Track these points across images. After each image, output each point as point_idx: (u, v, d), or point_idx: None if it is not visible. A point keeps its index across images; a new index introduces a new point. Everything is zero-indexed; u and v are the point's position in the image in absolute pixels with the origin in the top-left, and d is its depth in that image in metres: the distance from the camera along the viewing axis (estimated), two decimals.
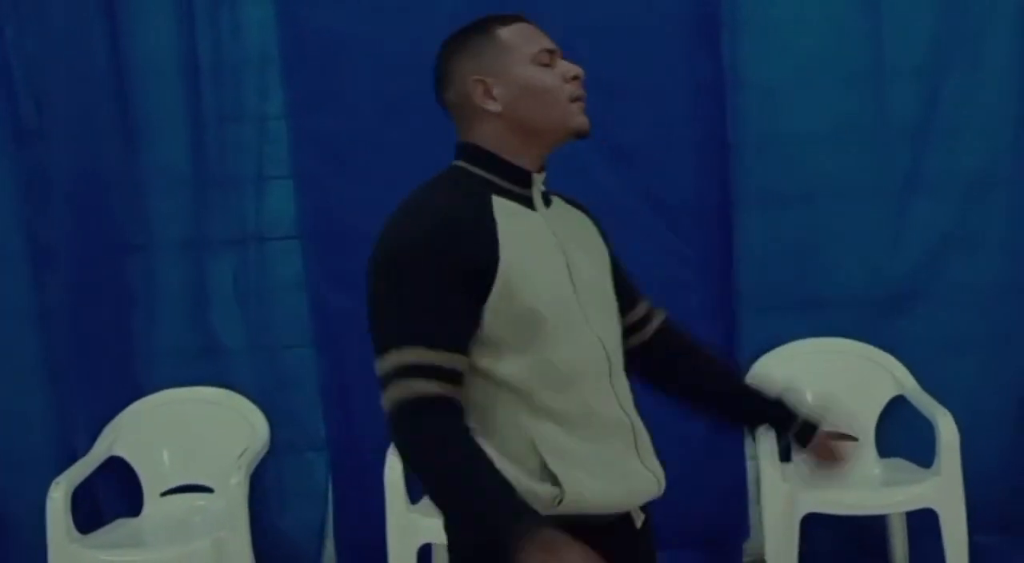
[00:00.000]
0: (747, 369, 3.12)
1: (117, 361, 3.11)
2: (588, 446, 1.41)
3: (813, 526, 2.87)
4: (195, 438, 3.11)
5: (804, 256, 3.10)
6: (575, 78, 1.48)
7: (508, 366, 1.38)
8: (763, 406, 1.75)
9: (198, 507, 3.05)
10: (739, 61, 3.03)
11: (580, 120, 1.49)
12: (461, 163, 1.50)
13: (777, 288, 3.11)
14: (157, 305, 3.11)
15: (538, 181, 1.51)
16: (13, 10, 2.95)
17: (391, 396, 1.33)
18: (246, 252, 3.09)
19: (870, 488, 2.95)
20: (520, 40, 1.48)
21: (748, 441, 3.13)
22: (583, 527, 1.33)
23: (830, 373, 3.13)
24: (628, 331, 1.66)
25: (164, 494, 3.10)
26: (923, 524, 2.89)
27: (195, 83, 3.01)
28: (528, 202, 1.48)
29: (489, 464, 1.32)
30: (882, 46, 3.04)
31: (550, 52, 1.49)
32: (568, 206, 1.62)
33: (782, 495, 2.85)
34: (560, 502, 1.35)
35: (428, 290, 1.35)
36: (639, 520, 1.52)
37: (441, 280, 1.35)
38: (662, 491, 1.54)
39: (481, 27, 1.50)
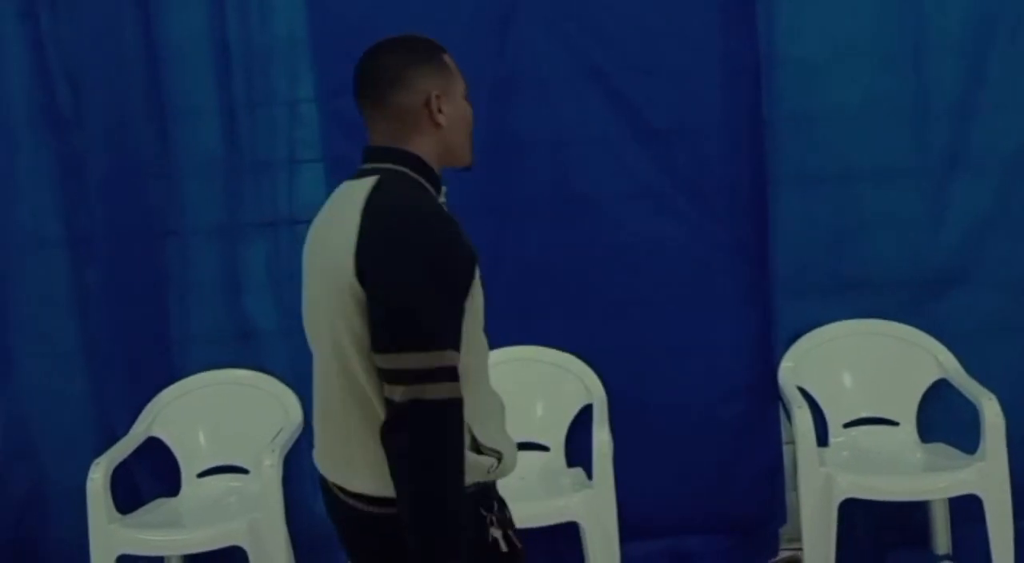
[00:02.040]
0: (784, 352, 3.08)
1: (154, 344, 3.14)
2: (499, 421, 1.64)
3: (852, 511, 2.82)
4: (231, 420, 3.15)
5: (842, 237, 3.04)
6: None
7: (465, 357, 1.52)
8: None
9: (234, 488, 3.09)
10: (774, 36, 2.96)
11: (472, 156, 1.71)
12: (406, 170, 1.61)
13: (815, 269, 3.05)
14: (192, 289, 3.14)
15: (443, 191, 1.67)
16: None
17: (433, 393, 1.44)
18: (279, 235, 3.10)
19: (911, 473, 2.89)
20: (456, 72, 1.69)
21: (784, 425, 3.09)
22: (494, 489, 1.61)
23: (870, 356, 3.08)
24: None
25: (201, 475, 3.14)
26: (966, 510, 2.82)
27: (226, 68, 3.01)
28: None
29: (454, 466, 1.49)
30: (922, 20, 2.96)
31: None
32: None
33: (820, 480, 2.80)
34: (497, 468, 1.58)
35: (460, 293, 1.51)
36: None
37: (454, 283, 1.50)
38: None
39: (433, 48, 1.67)
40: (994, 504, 2.72)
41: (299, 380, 3.13)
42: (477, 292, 1.56)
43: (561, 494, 2.85)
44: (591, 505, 2.79)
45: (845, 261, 3.04)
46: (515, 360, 3.07)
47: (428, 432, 1.45)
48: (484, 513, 1.57)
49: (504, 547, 1.58)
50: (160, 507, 3.06)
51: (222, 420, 3.15)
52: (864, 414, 3.07)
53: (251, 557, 2.80)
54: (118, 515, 2.89)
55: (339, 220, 1.56)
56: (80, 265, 3.09)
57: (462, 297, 1.51)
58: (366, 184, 1.58)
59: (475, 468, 1.54)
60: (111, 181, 3.04)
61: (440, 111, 1.62)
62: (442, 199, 1.65)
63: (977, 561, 2.81)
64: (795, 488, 2.95)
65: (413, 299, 1.47)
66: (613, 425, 2.92)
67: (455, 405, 1.47)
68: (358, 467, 1.57)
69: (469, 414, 1.51)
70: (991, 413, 2.74)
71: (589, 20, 3.00)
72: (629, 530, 2.92)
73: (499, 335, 2.94)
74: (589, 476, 2.85)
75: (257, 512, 2.85)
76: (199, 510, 3.03)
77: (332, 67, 3.03)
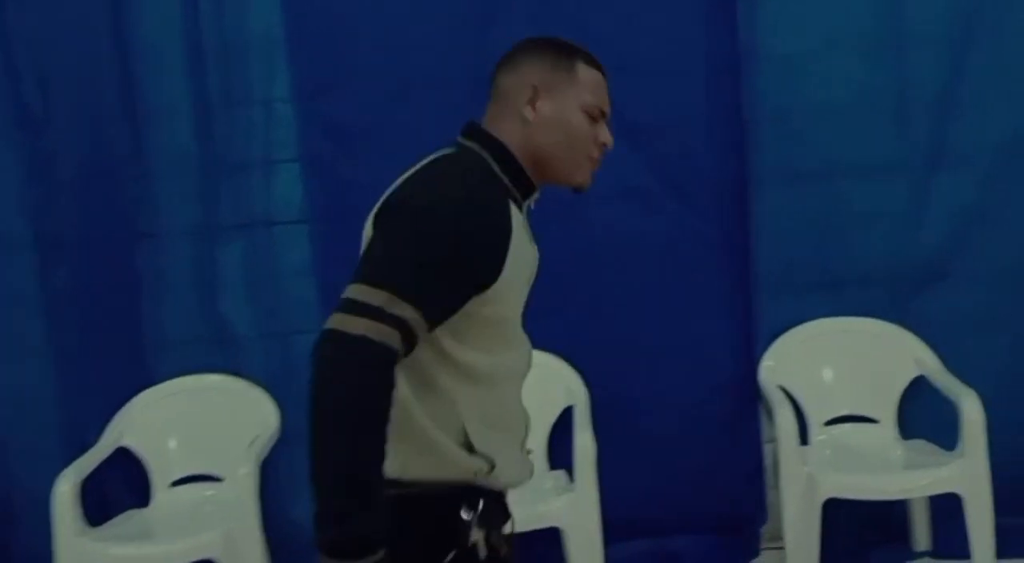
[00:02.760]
0: (766, 349, 3.06)
1: (125, 349, 3.06)
2: (506, 434, 1.54)
3: (832, 509, 2.81)
4: (205, 426, 3.07)
5: (824, 233, 3.04)
6: (603, 145, 1.57)
7: (467, 354, 1.44)
8: None
9: (208, 497, 3.01)
10: (756, 32, 2.96)
11: (586, 178, 1.58)
12: (485, 154, 1.53)
13: (796, 266, 3.04)
14: (165, 292, 3.06)
15: (533, 198, 1.57)
16: None
17: (358, 326, 1.29)
18: (255, 237, 3.04)
19: (892, 472, 2.89)
20: (589, 85, 1.55)
21: (766, 423, 3.08)
22: (488, 493, 1.49)
23: (851, 353, 3.08)
24: None
25: (174, 484, 3.06)
26: (946, 507, 2.82)
27: (201, 66, 2.95)
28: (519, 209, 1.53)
29: (382, 451, 1.29)
30: (904, 14, 2.96)
31: (602, 113, 1.57)
32: None
33: (802, 480, 2.79)
34: (487, 473, 1.47)
35: (445, 258, 1.37)
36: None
37: (458, 256, 1.38)
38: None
39: (569, 51, 1.58)
40: (974, 501, 2.72)
41: (276, 385, 3.07)
42: (505, 298, 1.45)
43: (542, 499, 2.80)
44: (573, 510, 2.75)
45: (827, 258, 3.05)
46: None
47: (331, 369, 1.27)
48: (464, 515, 1.47)
49: (483, 552, 1.49)
50: (130, 519, 2.97)
51: (196, 427, 3.07)
52: (845, 412, 3.07)
53: None
54: (87, 528, 2.79)
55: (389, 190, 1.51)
56: (49, 267, 2.99)
57: (451, 265, 1.36)
58: (432, 156, 1.53)
59: (460, 466, 1.46)
60: (81, 180, 2.96)
61: (532, 105, 1.52)
62: (526, 204, 1.54)
63: (957, 557, 2.82)
64: (776, 487, 2.94)
65: (387, 236, 1.38)
66: (595, 425, 2.89)
67: (375, 349, 1.28)
68: None
69: (467, 411, 1.46)
70: (971, 410, 2.74)
71: (571, 17, 2.97)
72: (612, 531, 2.88)
73: None
74: (571, 478, 2.82)
75: (232, 522, 2.77)
76: (171, 521, 2.94)
77: (309, 66, 2.98)
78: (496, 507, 1.56)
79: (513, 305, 1.50)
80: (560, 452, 2.97)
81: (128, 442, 3.04)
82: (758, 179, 3.00)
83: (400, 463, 1.41)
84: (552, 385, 3.04)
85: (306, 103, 2.97)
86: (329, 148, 2.98)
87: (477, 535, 1.48)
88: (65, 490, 2.75)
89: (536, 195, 1.57)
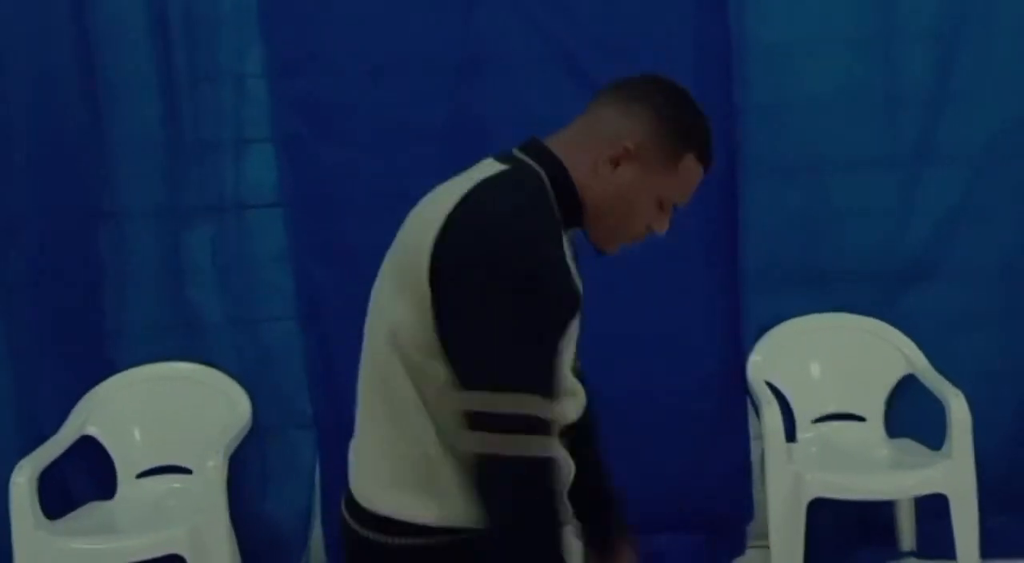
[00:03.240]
0: (753, 345, 3.00)
1: (87, 336, 2.94)
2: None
3: (817, 507, 2.76)
4: (172, 417, 2.96)
5: (812, 228, 2.96)
6: (653, 231, 1.45)
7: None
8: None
9: (175, 490, 2.90)
10: (745, 22, 2.87)
11: (614, 250, 1.48)
12: (547, 178, 1.36)
13: (784, 261, 2.97)
14: (130, 277, 2.94)
15: (573, 235, 1.44)
16: None
17: (514, 446, 1.19)
18: (225, 221, 2.91)
19: (878, 472, 2.84)
20: (685, 182, 1.42)
21: (753, 420, 3.02)
22: None
23: (838, 350, 3.02)
24: None
25: (140, 476, 2.94)
26: (933, 507, 2.78)
27: (165, 39, 2.81)
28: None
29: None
30: (894, 7, 2.89)
31: (675, 206, 1.44)
32: None
33: (788, 478, 2.73)
34: None
35: (556, 327, 1.24)
36: None
37: (565, 319, 1.26)
38: None
39: (689, 134, 1.41)
40: (960, 502, 2.68)
41: (247, 374, 2.97)
42: (571, 330, 1.32)
43: None
44: None
45: (815, 253, 2.98)
46: None
47: (526, 499, 1.20)
48: None
49: None
50: (93, 511, 2.85)
51: (164, 417, 2.96)
52: (832, 409, 3.02)
53: None
54: (46, 521, 2.68)
55: (439, 201, 1.30)
56: (5, 247, 2.85)
57: (554, 333, 1.23)
58: (487, 170, 1.35)
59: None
60: (39, 158, 2.82)
61: (615, 162, 1.37)
62: (572, 232, 1.42)
63: (943, 557, 2.79)
64: (763, 484, 2.88)
65: (484, 314, 1.20)
66: None
67: (549, 465, 1.20)
68: (371, 477, 1.35)
69: None
70: (958, 410, 2.70)
71: (557, 1, 2.87)
72: None
73: None
74: None
75: (199, 516, 2.67)
76: (136, 515, 2.83)
77: (283, 40, 2.86)
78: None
79: (569, 347, 1.34)
80: None
81: (92, 431, 2.92)
82: (746, 172, 2.92)
83: (435, 506, 1.30)
84: None
85: (280, 80, 2.85)
86: (305, 128, 2.87)
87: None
88: (22, 481, 2.63)
89: (572, 230, 1.42)
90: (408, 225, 1.34)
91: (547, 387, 1.22)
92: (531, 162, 1.37)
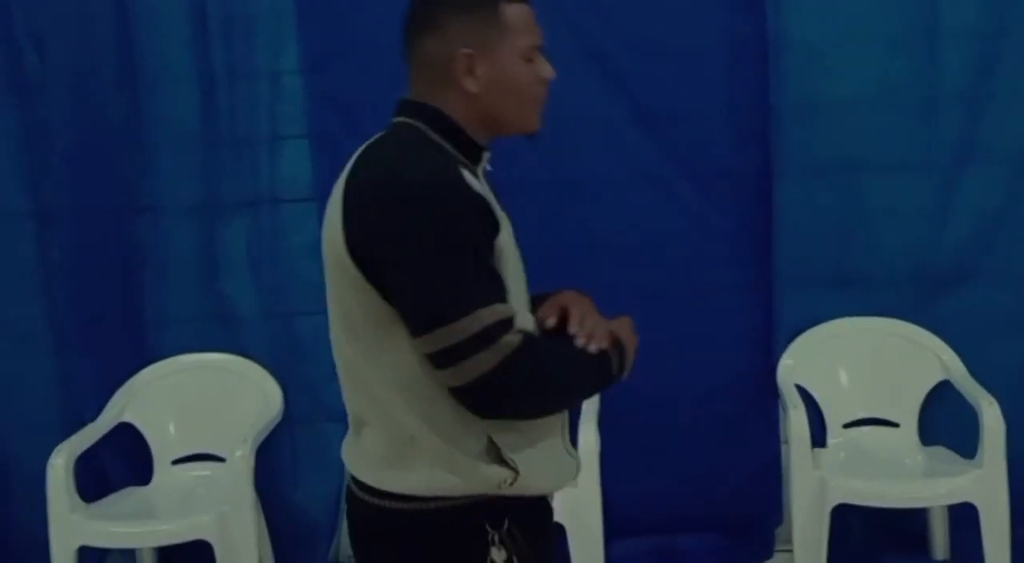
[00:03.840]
0: (784, 348, 2.97)
1: (126, 326, 3.01)
2: (538, 435, 1.42)
3: (846, 514, 2.72)
4: (206, 406, 3.02)
5: (847, 229, 2.91)
6: (547, 80, 1.46)
7: None
8: None
9: (206, 478, 2.96)
10: (782, 19, 2.82)
11: (536, 123, 1.48)
12: (420, 125, 1.42)
13: (818, 263, 2.93)
14: (167, 269, 3.01)
15: (486, 159, 1.47)
16: None
17: (491, 358, 1.27)
18: (259, 215, 2.97)
19: (909, 479, 2.79)
20: (520, 27, 1.43)
21: (784, 422, 2.98)
22: (516, 505, 1.40)
23: (873, 355, 2.97)
24: None
25: (175, 463, 3.01)
26: (967, 515, 2.72)
27: (204, 36, 2.86)
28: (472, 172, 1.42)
29: (576, 351, 1.40)
30: (934, 4, 2.82)
31: (538, 48, 1.45)
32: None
33: (813, 483, 2.70)
34: (511, 484, 1.37)
35: (479, 244, 1.32)
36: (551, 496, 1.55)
37: (482, 243, 1.32)
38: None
39: None
40: (990, 512, 2.62)
41: (279, 365, 3.02)
42: (506, 257, 1.36)
43: None
44: (574, 506, 2.67)
45: (850, 255, 2.93)
46: None
47: (532, 378, 1.32)
48: (489, 529, 1.39)
49: None
50: (128, 496, 2.93)
51: (197, 406, 3.02)
52: (864, 415, 2.97)
53: (217, 553, 2.66)
54: (81, 504, 2.76)
55: (336, 190, 1.39)
56: (47, 240, 2.94)
57: (480, 251, 1.30)
58: (364, 146, 1.42)
59: (480, 479, 1.36)
60: (79, 152, 2.90)
61: (471, 74, 1.39)
62: (481, 168, 1.45)
63: None
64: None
65: (418, 270, 1.28)
66: (604, 419, 2.81)
67: (523, 350, 1.29)
68: (365, 456, 1.43)
69: (492, 424, 1.36)
70: (991, 418, 2.64)
71: None
72: (618, 528, 2.82)
73: None
74: None
75: (227, 504, 2.72)
76: (169, 500, 2.90)
77: (318, 37, 2.89)
78: (530, 519, 1.44)
79: (514, 279, 1.38)
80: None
81: (130, 418, 2.99)
82: (780, 171, 2.88)
83: (422, 478, 1.37)
84: None
85: (315, 76, 2.89)
86: (338, 124, 2.90)
87: (498, 555, 1.39)
88: (59, 464, 2.71)
89: (488, 155, 1.47)
90: (324, 222, 1.41)
91: (493, 294, 1.30)
92: (406, 120, 1.43)
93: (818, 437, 2.86)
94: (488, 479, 1.37)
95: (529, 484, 1.40)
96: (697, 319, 2.96)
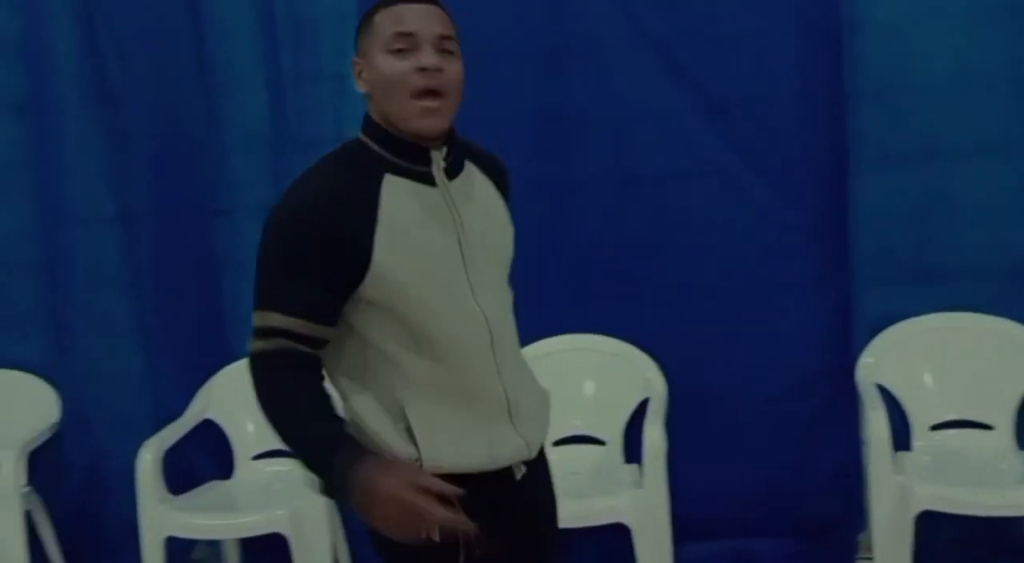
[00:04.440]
0: (864, 347, 2.82)
1: (208, 324, 3.11)
2: (454, 414, 1.50)
3: (935, 521, 2.57)
4: None
5: (930, 219, 2.76)
6: (422, 70, 1.44)
7: (385, 336, 1.47)
8: None
9: (283, 473, 3.04)
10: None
11: (418, 123, 1.46)
12: (363, 136, 1.53)
13: (899, 256, 2.78)
14: (245, 269, 3.07)
15: (437, 158, 1.51)
16: None
17: (249, 351, 1.49)
18: None
19: (1004, 485, 2.60)
20: (385, 24, 1.46)
21: (866, 425, 2.84)
22: (455, 479, 1.43)
23: (959, 353, 2.80)
24: None
25: (256, 458, 3.12)
26: None
27: (272, 41, 2.92)
28: (428, 178, 1.49)
29: (313, 408, 1.44)
30: None
31: (405, 35, 1.45)
32: (478, 171, 1.60)
33: (894, 489, 2.56)
34: (419, 463, 1.46)
35: (296, 261, 1.43)
36: (519, 472, 1.58)
37: (310, 253, 1.42)
38: (533, 453, 1.59)
39: (371, 7, 1.51)
40: None
41: None
42: (392, 277, 1.44)
43: (610, 493, 2.70)
44: (641, 506, 2.63)
45: (932, 247, 2.77)
46: (570, 349, 2.94)
47: (255, 388, 1.49)
48: None
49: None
50: (212, 490, 3.04)
51: None
52: (954, 416, 2.80)
53: (293, 546, 2.74)
54: (168, 496, 2.88)
55: None
56: (131, 241, 3.06)
57: (306, 264, 1.43)
58: None
59: (395, 453, 1.46)
60: (158, 156, 3.01)
61: (360, 78, 1.51)
62: (439, 164, 1.51)
63: None
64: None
65: (257, 259, 1.48)
66: (674, 418, 2.76)
67: (264, 357, 1.47)
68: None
69: (405, 392, 1.48)
70: None
71: None
72: (688, 530, 2.76)
73: (553, 322, 2.88)
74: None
75: (301, 500, 2.79)
76: (249, 494, 3.00)
77: None
78: (472, 498, 1.43)
79: (421, 274, 1.46)
80: (638, 446, 2.84)
81: (212, 416, 3.11)
82: (856, 159, 2.75)
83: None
84: (628, 375, 2.92)
85: None
86: None
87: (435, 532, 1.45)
88: (148, 459, 2.84)
89: (443, 154, 1.51)
90: None
91: (284, 303, 1.45)
92: (358, 133, 1.54)
93: (902, 440, 2.72)
94: (401, 454, 1.46)
95: (441, 464, 1.47)
96: (769, 316, 2.87)
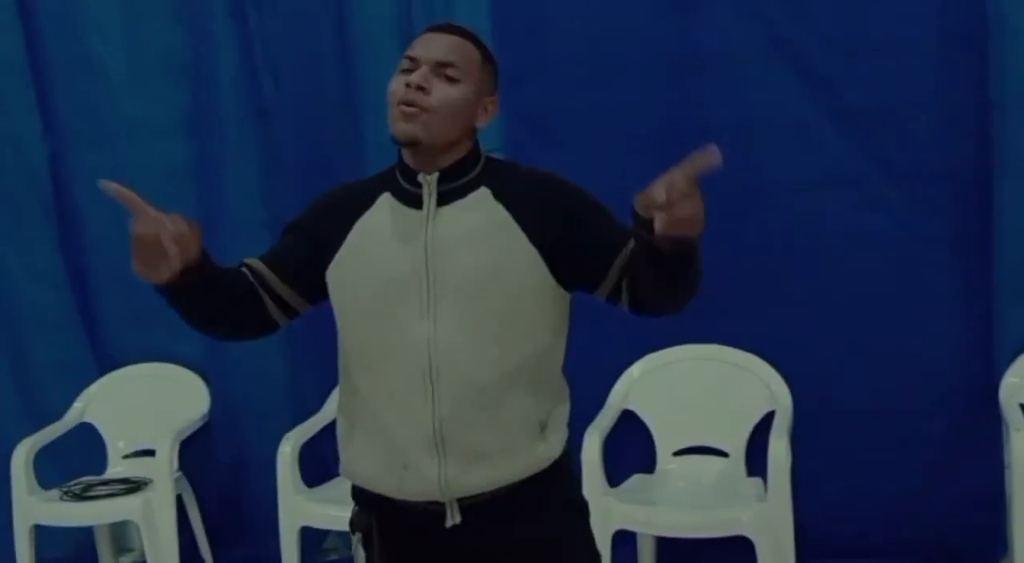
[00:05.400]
0: (1008, 366, 2.70)
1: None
2: (374, 430, 1.53)
3: None
4: None
5: None
6: (405, 86, 1.51)
7: (341, 336, 1.60)
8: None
9: None
10: (1004, 4, 2.59)
11: (394, 126, 1.54)
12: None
13: None
14: None
15: (428, 182, 1.54)
16: None
17: None
18: None
19: None
20: (407, 49, 1.57)
21: (1006, 445, 2.71)
22: (388, 508, 1.54)
23: None
24: (610, 297, 1.56)
25: None
26: None
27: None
28: (417, 200, 1.54)
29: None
30: None
31: (410, 59, 1.54)
32: (491, 198, 1.55)
33: None
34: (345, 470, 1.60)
35: (289, 227, 1.67)
36: (452, 519, 1.51)
37: (298, 225, 1.64)
38: (448, 498, 1.50)
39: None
40: None
41: None
42: (343, 280, 1.56)
43: (733, 505, 2.67)
44: (764, 520, 2.59)
45: None
46: (695, 359, 2.94)
47: None
48: (353, 509, 1.63)
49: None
50: (345, 483, 3.16)
51: None
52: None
53: None
54: (304, 488, 3.03)
55: None
56: None
57: (291, 230, 1.66)
58: None
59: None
60: (306, 168, 3.17)
61: None
62: (429, 187, 1.54)
63: None
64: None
65: None
66: (800, 433, 2.72)
67: None
68: None
69: (342, 398, 1.62)
70: None
71: None
72: (812, 548, 2.70)
73: (679, 332, 2.87)
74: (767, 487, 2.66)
75: None
76: None
77: (514, 56, 2.97)
78: (367, 511, 1.59)
79: (365, 287, 1.52)
80: (761, 459, 2.80)
81: None
82: (1001, 170, 2.64)
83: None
84: (753, 387, 2.89)
85: (510, 94, 2.98)
86: (531, 137, 2.99)
87: (354, 539, 1.59)
88: (287, 451, 2.99)
89: (430, 177, 1.54)
90: None
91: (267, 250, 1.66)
92: None
93: None
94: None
95: (355, 473, 1.59)
96: (904, 331, 2.78)
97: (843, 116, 2.75)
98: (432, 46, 1.54)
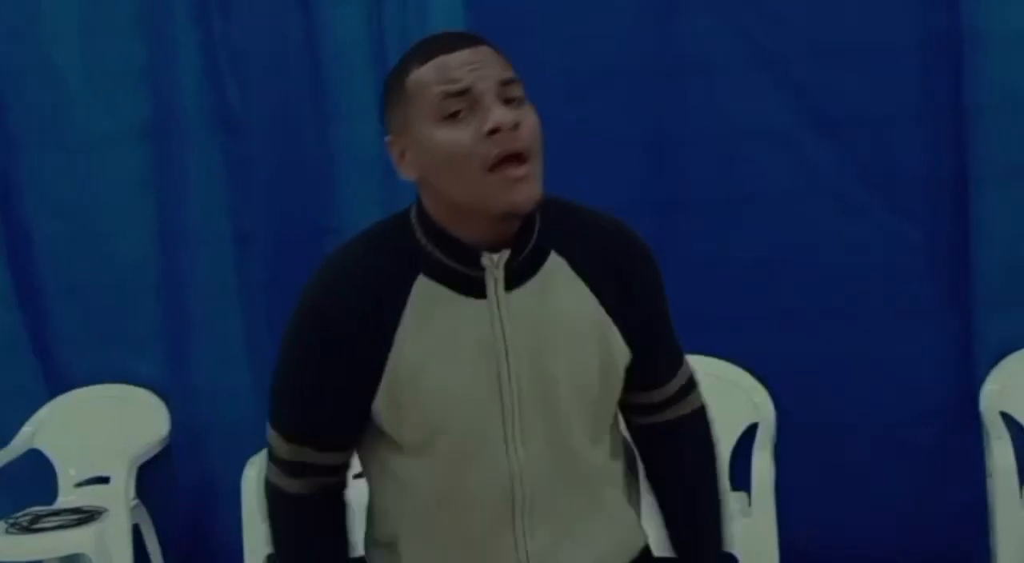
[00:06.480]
0: (987, 373, 2.70)
1: None
2: (387, 540, 1.31)
3: None
4: None
5: None
6: (494, 131, 1.10)
7: (399, 465, 1.25)
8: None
9: None
10: (979, 9, 2.62)
11: (504, 199, 1.11)
12: (414, 219, 1.22)
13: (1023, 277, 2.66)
14: None
15: (496, 261, 1.18)
16: (221, 4, 3.05)
17: (269, 472, 1.34)
18: None
19: None
20: (426, 85, 1.13)
21: (990, 456, 2.71)
22: None
23: None
24: (637, 410, 1.36)
25: (358, 477, 3.12)
26: None
27: (383, 68, 2.98)
28: (476, 285, 1.18)
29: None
30: None
31: (458, 95, 1.12)
32: (566, 266, 1.23)
33: (1021, 523, 2.43)
34: None
35: (304, 370, 1.24)
36: None
37: (318, 362, 1.22)
38: None
39: (398, 68, 1.19)
40: None
41: None
42: (403, 400, 1.19)
43: None
44: (747, 535, 2.54)
45: None
46: None
47: (269, 521, 1.35)
48: None
49: None
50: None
51: None
52: None
53: None
54: None
55: None
56: (244, 261, 3.13)
57: (314, 376, 1.21)
58: None
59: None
60: (274, 180, 3.08)
61: (403, 161, 1.19)
62: (496, 269, 1.18)
63: None
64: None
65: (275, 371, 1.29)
66: (783, 447, 2.69)
67: (273, 492, 1.31)
68: None
69: (402, 523, 1.28)
70: None
71: (763, 4, 2.76)
72: (795, 561, 2.65)
73: None
74: (751, 502, 2.62)
75: None
76: (357, 511, 3.00)
77: None
78: None
79: (437, 406, 1.18)
80: (744, 473, 2.76)
81: None
82: (979, 177, 2.66)
83: None
84: (735, 399, 2.83)
85: None
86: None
87: None
88: (252, 476, 2.88)
89: (501, 254, 1.17)
90: None
91: (282, 426, 1.27)
92: (415, 205, 1.24)
93: None
94: None
95: None
96: (885, 340, 2.77)
97: (822, 124, 2.76)
98: (479, 65, 1.14)
